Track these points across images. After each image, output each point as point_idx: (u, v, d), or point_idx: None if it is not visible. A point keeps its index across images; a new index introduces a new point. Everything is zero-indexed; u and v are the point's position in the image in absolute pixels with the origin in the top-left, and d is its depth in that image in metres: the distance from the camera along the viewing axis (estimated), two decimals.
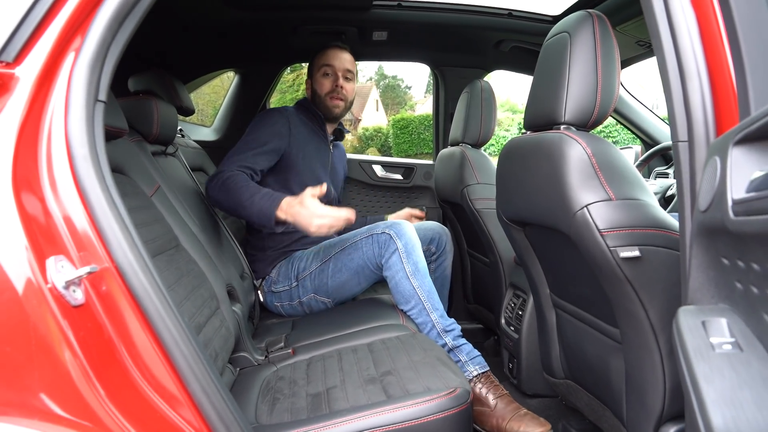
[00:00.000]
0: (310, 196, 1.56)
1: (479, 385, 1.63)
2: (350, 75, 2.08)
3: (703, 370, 0.51)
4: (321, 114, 2.07)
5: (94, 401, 0.68)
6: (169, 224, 1.34)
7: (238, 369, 1.45)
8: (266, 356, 1.51)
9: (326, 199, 1.93)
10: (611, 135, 15.37)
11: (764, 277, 0.51)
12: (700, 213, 0.66)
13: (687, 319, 0.60)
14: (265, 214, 1.58)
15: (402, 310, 1.72)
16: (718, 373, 0.50)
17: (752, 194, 0.50)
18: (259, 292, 1.95)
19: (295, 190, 1.84)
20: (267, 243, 1.95)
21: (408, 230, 1.73)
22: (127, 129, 1.22)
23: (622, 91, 2.56)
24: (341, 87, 2.04)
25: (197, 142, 2.37)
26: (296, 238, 1.95)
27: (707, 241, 0.65)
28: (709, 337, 0.56)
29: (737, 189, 0.54)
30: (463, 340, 1.68)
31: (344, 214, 1.56)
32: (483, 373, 1.65)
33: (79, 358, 0.68)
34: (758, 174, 0.50)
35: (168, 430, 0.76)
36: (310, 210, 1.55)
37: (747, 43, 0.71)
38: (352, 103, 2.13)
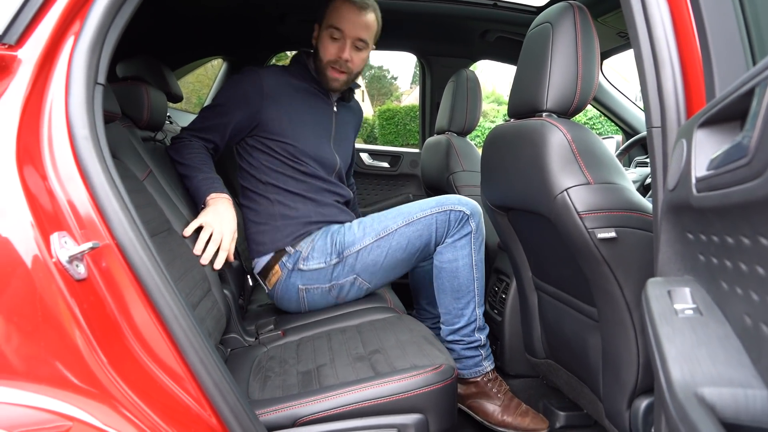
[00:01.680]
0: (230, 234, 1.47)
1: (488, 381, 1.63)
2: (362, 44, 1.70)
3: (667, 331, 0.56)
4: (317, 76, 1.75)
5: (98, 369, 0.71)
6: (161, 208, 1.36)
7: (229, 350, 1.49)
8: (257, 338, 1.55)
9: (331, 170, 1.79)
10: (595, 126, 15.53)
11: (722, 248, 0.56)
12: (668, 192, 0.71)
13: (654, 289, 0.65)
14: (198, 196, 1.55)
15: (404, 291, 1.66)
16: (680, 334, 0.55)
17: (711, 172, 0.55)
18: (249, 276, 1.88)
19: (286, 161, 1.67)
20: (281, 210, 1.68)
21: (480, 211, 1.60)
22: (120, 113, 1.24)
23: (604, 83, 2.62)
24: (347, 60, 1.67)
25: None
26: (314, 208, 1.70)
27: (674, 218, 0.70)
28: (673, 304, 0.61)
29: (700, 168, 0.59)
30: (488, 339, 1.66)
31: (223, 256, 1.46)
32: (492, 369, 1.65)
33: (83, 329, 0.71)
34: (717, 153, 0.55)
35: (167, 399, 0.80)
36: (221, 227, 1.46)
37: (713, 33, 0.76)
38: (358, 74, 1.78)
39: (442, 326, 1.64)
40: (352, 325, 1.50)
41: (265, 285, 1.72)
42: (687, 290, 0.63)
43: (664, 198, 0.75)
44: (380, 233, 1.59)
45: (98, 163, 0.78)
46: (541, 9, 2.32)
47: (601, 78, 2.63)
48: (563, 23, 1.20)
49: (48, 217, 0.74)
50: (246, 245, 1.80)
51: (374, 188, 2.86)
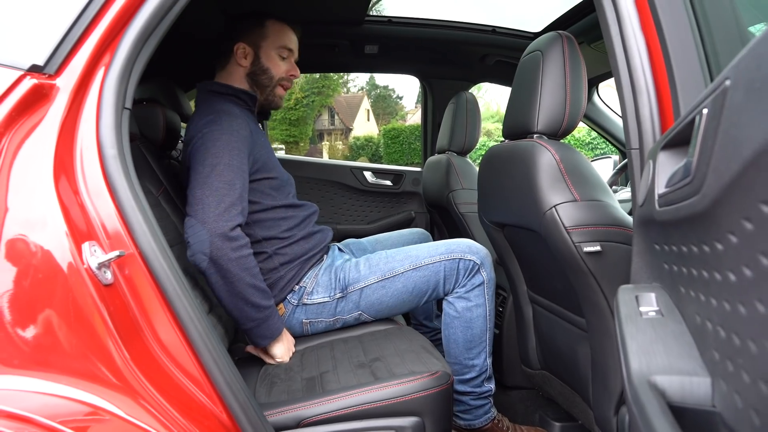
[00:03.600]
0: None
1: (498, 421, 1.66)
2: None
3: (630, 330, 0.63)
4: (259, 96, 1.69)
5: (123, 367, 0.78)
6: (174, 222, 1.45)
7: (236, 358, 1.55)
8: None
9: (294, 190, 1.73)
10: (599, 147, 15.69)
11: (679, 257, 0.63)
12: (639, 207, 0.79)
13: (624, 294, 0.73)
14: (270, 332, 1.41)
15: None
16: (641, 332, 0.62)
17: (667, 189, 0.62)
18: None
19: (273, 202, 1.58)
20: (279, 260, 1.59)
21: (490, 258, 1.60)
22: (138, 134, 1.33)
23: (601, 105, 2.71)
24: (298, 75, 1.75)
25: None
26: (301, 235, 1.63)
27: (644, 231, 0.78)
28: (639, 307, 0.68)
29: (661, 185, 0.67)
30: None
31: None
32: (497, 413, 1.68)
33: (111, 329, 0.79)
34: (672, 172, 0.63)
35: (183, 396, 0.87)
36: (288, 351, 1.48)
37: (677, 63, 0.84)
38: None
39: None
40: (354, 336, 1.57)
41: None
42: (652, 295, 0.70)
43: (635, 213, 0.83)
44: (386, 274, 1.57)
45: (125, 179, 0.87)
46: (537, 35, 2.43)
47: (597, 100, 2.72)
48: (552, 51, 1.29)
49: (80, 228, 0.82)
50: None
51: (377, 206, 2.94)
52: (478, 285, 1.55)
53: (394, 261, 1.59)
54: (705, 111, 0.50)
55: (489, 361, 1.60)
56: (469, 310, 1.55)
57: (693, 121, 0.55)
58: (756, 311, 0.41)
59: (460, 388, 1.59)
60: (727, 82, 0.44)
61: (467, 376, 1.59)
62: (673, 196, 0.60)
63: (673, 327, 0.62)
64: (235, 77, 1.68)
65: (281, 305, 1.60)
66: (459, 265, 1.55)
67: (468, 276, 1.55)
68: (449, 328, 1.59)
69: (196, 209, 1.30)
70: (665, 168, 0.68)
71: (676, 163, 0.65)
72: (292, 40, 1.72)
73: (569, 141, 14.85)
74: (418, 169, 2.99)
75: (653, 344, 0.60)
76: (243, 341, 1.60)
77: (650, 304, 0.69)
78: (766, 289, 0.40)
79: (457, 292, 1.56)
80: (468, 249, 1.56)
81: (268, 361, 1.46)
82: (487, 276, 1.56)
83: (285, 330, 1.49)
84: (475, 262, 1.55)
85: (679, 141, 0.65)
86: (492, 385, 1.63)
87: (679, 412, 0.53)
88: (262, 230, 1.57)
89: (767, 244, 0.39)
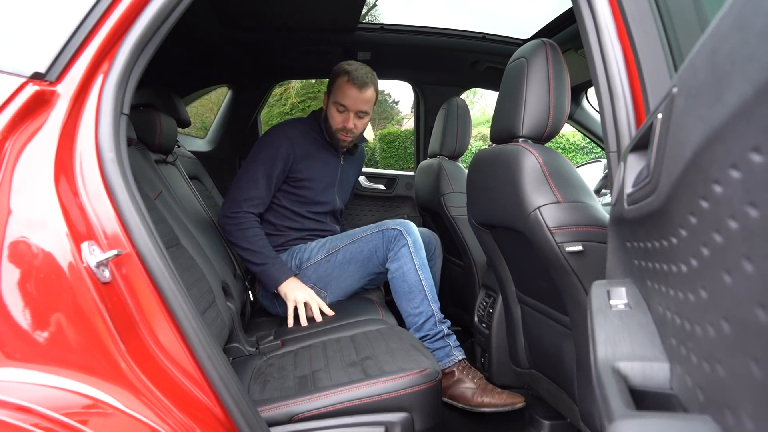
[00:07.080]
0: (315, 302, 1.85)
1: (462, 368, 1.83)
2: (363, 113, 2.03)
3: (600, 321, 0.67)
4: (329, 138, 2.09)
5: (121, 360, 0.82)
6: (170, 224, 1.48)
7: (231, 358, 1.59)
8: (257, 348, 1.65)
9: (330, 209, 2.15)
10: (594, 150, 15.78)
11: (645, 252, 0.68)
12: (612, 207, 0.83)
13: (597, 289, 0.77)
14: (271, 281, 1.87)
15: (396, 306, 1.87)
16: (610, 323, 0.66)
17: (633, 188, 0.67)
18: (250, 292, 2.09)
19: (292, 205, 2.05)
20: (274, 240, 2.04)
21: (415, 229, 1.90)
22: (135, 139, 1.37)
23: (590, 109, 2.76)
24: (351, 128, 2.02)
25: (192, 152, 2.52)
26: (296, 235, 2.08)
27: (617, 229, 0.82)
28: (609, 300, 0.72)
29: (629, 185, 0.71)
30: (452, 330, 1.88)
31: (327, 311, 1.85)
32: (464, 358, 1.85)
33: (109, 326, 0.82)
34: (637, 173, 0.67)
35: (178, 390, 0.90)
36: (307, 295, 1.86)
37: (648, 70, 0.89)
38: (362, 132, 2.12)
39: (410, 330, 1.84)
40: (347, 336, 1.61)
41: (254, 290, 2.12)
42: (623, 289, 0.74)
43: (610, 212, 0.87)
44: (330, 250, 1.96)
45: (122, 182, 0.90)
46: (526, 41, 2.47)
47: (586, 105, 2.77)
48: (536, 58, 1.33)
49: (79, 228, 0.85)
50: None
51: (371, 209, 2.98)
52: (403, 246, 1.85)
53: (337, 240, 1.99)
54: (659, 116, 0.54)
55: (434, 306, 1.83)
56: (400, 268, 1.84)
57: (651, 125, 0.59)
58: (700, 297, 0.46)
59: (417, 335, 1.82)
60: (675, 90, 0.48)
61: (419, 323, 1.82)
62: (637, 194, 0.64)
63: (640, 318, 0.66)
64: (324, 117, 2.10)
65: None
66: (384, 234, 1.88)
67: (395, 241, 1.86)
68: (392, 287, 1.89)
69: (228, 193, 1.96)
70: (633, 169, 0.72)
71: (641, 164, 0.69)
72: (347, 98, 1.98)
73: (565, 145, 14.92)
74: (411, 173, 3.04)
75: (619, 333, 0.64)
76: (238, 342, 1.63)
77: (620, 297, 0.73)
78: (707, 277, 0.44)
79: (390, 258, 1.87)
80: (394, 223, 1.90)
81: (289, 305, 1.83)
82: (411, 240, 1.85)
83: (293, 280, 1.88)
84: (397, 230, 1.86)
85: (644, 143, 0.69)
86: (444, 327, 1.83)
87: (640, 395, 0.56)
88: (268, 214, 2.04)
89: (707, 236, 0.43)
